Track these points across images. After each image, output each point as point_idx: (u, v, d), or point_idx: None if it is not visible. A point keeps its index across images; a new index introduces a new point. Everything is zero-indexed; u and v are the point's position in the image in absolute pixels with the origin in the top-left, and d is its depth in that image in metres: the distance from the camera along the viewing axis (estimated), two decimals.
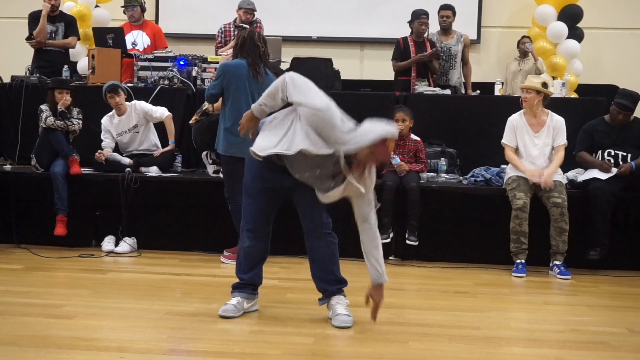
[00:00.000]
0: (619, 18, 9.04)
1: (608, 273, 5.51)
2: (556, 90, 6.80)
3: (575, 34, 8.59)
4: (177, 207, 5.94)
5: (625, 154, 5.74)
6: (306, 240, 4.09)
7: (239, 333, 3.77)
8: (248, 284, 4.14)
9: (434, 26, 7.67)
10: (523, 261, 5.47)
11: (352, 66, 9.07)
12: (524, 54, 7.92)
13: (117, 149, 6.47)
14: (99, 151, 6.27)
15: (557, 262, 5.46)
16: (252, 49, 5.34)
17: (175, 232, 5.94)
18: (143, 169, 6.21)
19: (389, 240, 5.70)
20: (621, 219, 5.59)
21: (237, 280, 4.17)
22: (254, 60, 5.33)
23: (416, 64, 7.27)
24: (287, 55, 7.27)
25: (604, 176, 5.62)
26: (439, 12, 7.71)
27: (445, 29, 7.71)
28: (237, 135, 5.10)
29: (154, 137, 6.52)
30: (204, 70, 6.95)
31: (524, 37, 8.14)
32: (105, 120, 6.44)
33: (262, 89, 5.34)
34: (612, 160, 5.74)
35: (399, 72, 7.39)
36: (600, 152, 5.82)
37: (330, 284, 4.08)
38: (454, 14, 7.76)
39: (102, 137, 6.42)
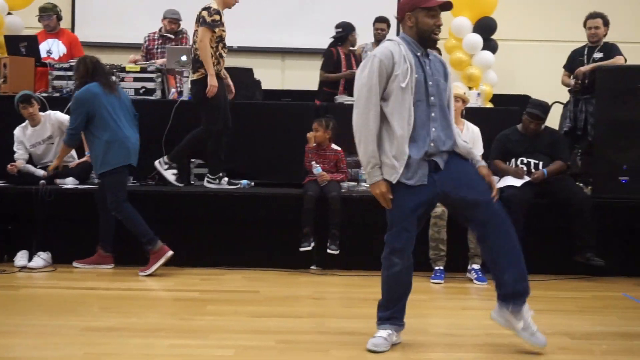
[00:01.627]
0: (531, 30, 9.36)
1: None
2: (472, 100, 6.96)
3: (490, 45, 8.84)
4: (94, 219, 5.79)
5: (537, 161, 5.93)
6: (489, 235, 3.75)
7: (159, 347, 3.71)
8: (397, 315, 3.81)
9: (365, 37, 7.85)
10: (442, 268, 5.58)
11: (273, 76, 9.07)
12: None
13: (31, 160, 6.28)
14: (11, 163, 6.08)
15: (475, 266, 5.59)
16: (102, 71, 5.69)
17: (92, 246, 5.78)
18: (58, 180, 6.04)
19: (310, 248, 5.72)
20: (534, 225, 5.76)
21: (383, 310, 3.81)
22: (107, 79, 5.69)
23: (344, 78, 7.37)
24: None
25: (518, 182, 5.79)
26: (374, 24, 7.89)
27: (379, 41, 7.89)
28: (119, 146, 5.47)
29: None
30: (122, 79, 6.82)
31: None
32: (17, 131, 6.25)
33: (118, 99, 5.66)
34: (525, 168, 5.92)
35: (326, 84, 7.42)
36: (513, 160, 5.99)
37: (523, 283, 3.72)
38: (389, 26, 7.94)
39: (14, 149, 6.22)
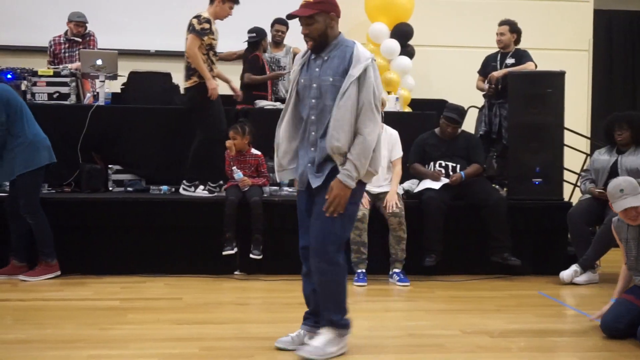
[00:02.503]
0: (445, 36, 9.57)
1: (443, 278, 5.78)
2: (391, 104, 7.07)
3: (407, 51, 8.99)
4: (7, 228, 5.56)
5: (454, 164, 6.07)
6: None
7: (76, 358, 3.60)
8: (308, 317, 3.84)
9: None
10: (364, 270, 5.63)
11: None
12: None
13: None
14: None
15: (397, 270, 5.67)
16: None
17: (5, 256, 5.56)
18: None
19: (233, 252, 5.69)
20: (452, 227, 5.89)
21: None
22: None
23: (270, 79, 7.41)
24: (124, 69, 7.08)
25: (436, 185, 5.91)
26: (273, 26, 7.83)
27: (278, 43, 7.87)
28: (43, 144, 5.46)
29: None
30: (35, 84, 6.61)
31: None
32: None
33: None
34: (443, 171, 6.05)
35: (253, 87, 7.36)
36: (432, 163, 6.11)
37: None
38: (288, 28, 7.91)
39: None
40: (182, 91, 6.69)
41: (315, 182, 3.63)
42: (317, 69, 3.63)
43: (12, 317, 4.45)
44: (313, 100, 3.62)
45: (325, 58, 3.63)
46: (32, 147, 5.38)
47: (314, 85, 3.62)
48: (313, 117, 3.62)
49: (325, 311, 3.67)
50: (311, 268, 3.67)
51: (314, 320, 3.80)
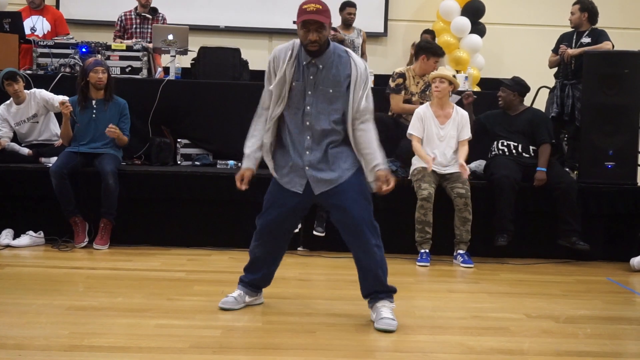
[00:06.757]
0: (518, 14, 9.36)
1: (508, 261, 5.71)
2: (460, 84, 6.95)
3: (478, 29, 8.83)
4: (78, 198, 5.74)
5: (515, 144, 5.95)
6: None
7: (145, 327, 3.70)
8: (250, 284, 4.14)
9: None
10: (427, 250, 5.59)
11: (260, 56, 8.98)
12: None
13: (15, 138, 6.21)
14: None
15: (461, 251, 5.61)
16: None
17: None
18: (43, 159, 6.00)
19: (296, 231, 5.71)
20: (519, 208, 5.78)
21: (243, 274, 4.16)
22: None
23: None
24: (194, 44, 7.17)
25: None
26: (344, 9, 7.93)
27: (349, 25, 7.96)
28: None
29: (54, 127, 6.30)
30: (108, 57, 6.76)
31: (425, 32, 8.36)
32: (2, 109, 6.18)
33: None
34: (511, 149, 5.94)
35: None
36: (495, 143, 6.05)
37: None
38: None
39: None
40: None
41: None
42: (310, 76, 3.63)
43: (85, 284, 4.58)
44: (309, 107, 3.67)
45: (318, 66, 3.64)
46: None
47: (309, 92, 3.65)
48: (309, 123, 3.69)
49: (384, 284, 3.92)
50: (362, 248, 3.99)
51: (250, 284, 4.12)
